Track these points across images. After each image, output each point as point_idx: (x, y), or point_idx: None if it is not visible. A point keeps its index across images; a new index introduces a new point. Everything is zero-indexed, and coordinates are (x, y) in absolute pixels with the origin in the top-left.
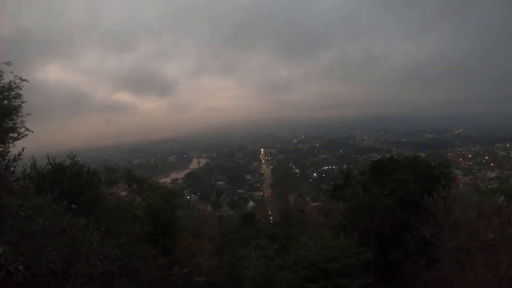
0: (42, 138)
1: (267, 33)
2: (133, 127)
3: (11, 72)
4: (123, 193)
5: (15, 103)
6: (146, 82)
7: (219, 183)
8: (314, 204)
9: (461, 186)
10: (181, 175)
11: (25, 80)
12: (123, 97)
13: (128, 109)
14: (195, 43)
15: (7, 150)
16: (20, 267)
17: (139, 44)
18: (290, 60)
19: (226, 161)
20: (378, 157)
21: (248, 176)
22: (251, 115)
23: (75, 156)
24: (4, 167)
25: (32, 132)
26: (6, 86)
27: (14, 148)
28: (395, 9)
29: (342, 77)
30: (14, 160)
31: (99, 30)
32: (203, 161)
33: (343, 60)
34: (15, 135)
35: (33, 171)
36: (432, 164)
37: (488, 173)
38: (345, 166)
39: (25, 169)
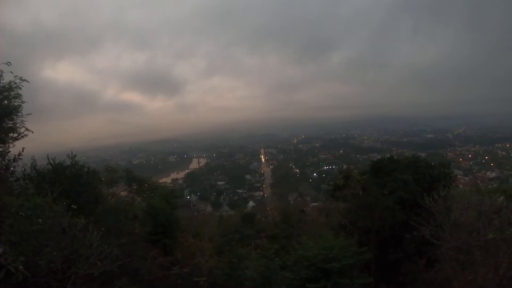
0: (42, 138)
1: (276, 35)
2: (137, 126)
3: (11, 72)
4: (123, 193)
5: (15, 103)
6: (155, 81)
7: (219, 183)
8: (314, 204)
9: (461, 186)
10: (181, 175)
11: (25, 80)
12: (131, 96)
13: (134, 108)
14: (207, 43)
15: (7, 150)
16: (20, 267)
17: (152, 44)
18: (296, 62)
19: (226, 161)
20: (378, 157)
21: (248, 176)
22: (255, 115)
23: (75, 156)
24: (4, 167)
25: (32, 132)
26: (6, 86)
27: (14, 148)
28: (397, 11)
29: (345, 78)
30: (14, 160)
31: (114, 28)
32: (203, 161)
33: (346, 62)
34: (15, 135)
35: (33, 171)
36: (432, 164)
37: (488, 173)
38: (345, 166)
39: (25, 169)
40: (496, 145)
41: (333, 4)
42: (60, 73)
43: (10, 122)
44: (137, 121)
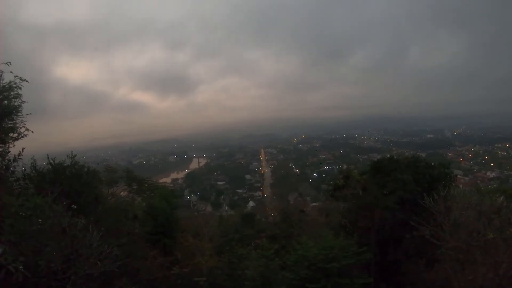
0: (42, 138)
1: (290, 40)
2: (142, 126)
3: (11, 72)
4: (123, 193)
5: (15, 103)
6: (167, 80)
7: (219, 183)
8: (314, 204)
9: (461, 186)
10: (181, 175)
11: (25, 80)
12: (141, 96)
13: (143, 108)
14: (218, 44)
15: (7, 150)
16: (20, 267)
17: (168, 44)
18: (303, 65)
19: (226, 161)
20: (378, 157)
21: (248, 176)
22: (256, 115)
23: (75, 156)
24: (4, 167)
25: (32, 132)
26: (6, 86)
27: (14, 148)
28: (399, 15)
29: (347, 80)
30: (14, 160)
31: (126, 27)
32: (203, 161)
33: (349, 64)
34: (15, 135)
35: (33, 171)
36: (432, 164)
37: (488, 173)
38: (345, 166)
39: (25, 169)
40: (496, 145)
41: (339, 13)
42: (74, 70)
43: (10, 122)
44: (144, 121)
